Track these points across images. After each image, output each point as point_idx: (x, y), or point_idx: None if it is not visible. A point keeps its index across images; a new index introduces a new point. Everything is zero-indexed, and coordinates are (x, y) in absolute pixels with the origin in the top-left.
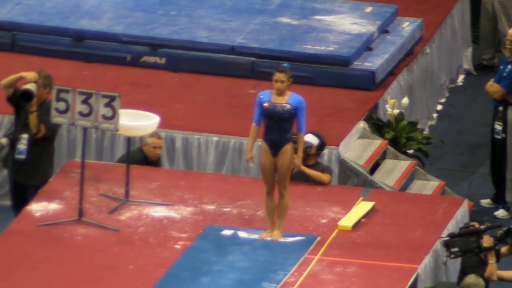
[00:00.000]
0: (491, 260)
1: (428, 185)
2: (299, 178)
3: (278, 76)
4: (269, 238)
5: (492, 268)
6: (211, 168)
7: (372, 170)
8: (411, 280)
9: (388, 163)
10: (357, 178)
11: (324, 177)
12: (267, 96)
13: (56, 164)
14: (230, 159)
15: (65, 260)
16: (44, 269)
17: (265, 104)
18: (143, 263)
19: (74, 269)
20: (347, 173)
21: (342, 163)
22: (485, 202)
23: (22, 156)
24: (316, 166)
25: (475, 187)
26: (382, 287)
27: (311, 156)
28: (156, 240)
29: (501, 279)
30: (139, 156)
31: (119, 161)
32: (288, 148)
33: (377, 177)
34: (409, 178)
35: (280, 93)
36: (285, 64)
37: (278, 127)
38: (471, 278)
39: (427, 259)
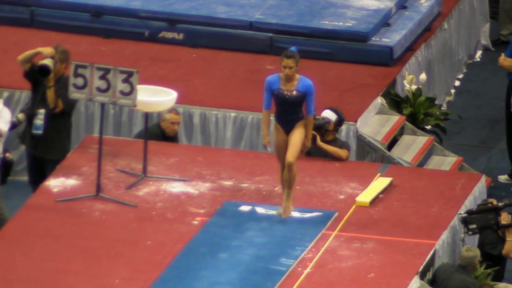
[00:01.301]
0: (509, 237)
1: (446, 161)
2: (318, 154)
3: (286, 62)
4: (280, 212)
5: (510, 246)
6: (229, 144)
7: (390, 145)
8: (429, 256)
9: (406, 139)
10: (375, 153)
11: (342, 152)
12: (276, 82)
13: (74, 139)
14: (248, 134)
15: (84, 235)
16: (63, 244)
17: (275, 91)
18: (161, 238)
19: (93, 244)
20: (365, 148)
21: (360, 139)
22: (503, 178)
23: (39, 131)
24: (334, 141)
25: (494, 162)
26: (400, 262)
27: (329, 132)
28: (174, 215)
29: None
30: (157, 131)
31: (137, 137)
32: (300, 124)
33: (395, 152)
34: (427, 154)
35: (289, 78)
36: (293, 48)
37: (289, 111)
38: (468, 252)
39: (445, 235)
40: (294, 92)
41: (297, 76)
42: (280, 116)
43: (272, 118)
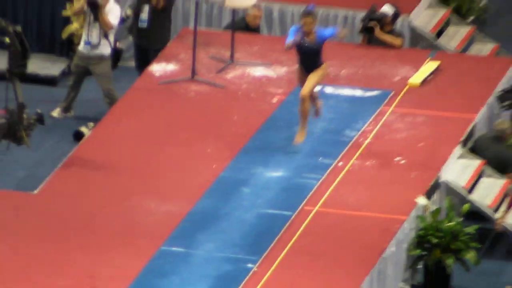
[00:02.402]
0: None
1: (485, 47)
2: (376, 42)
3: (306, 19)
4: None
5: None
6: None
7: (438, 34)
8: (470, 127)
9: (451, 29)
10: (425, 42)
11: (397, 41)
12: (298, 31)
13: (173, 31)
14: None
15: (180, 113)
16: (163, 119)
17: (297, 42)
18: (246, 114)
19: (188, 120)
20: (417, 38)
21: (413, 29)
22: None
23: (144, 25)
24: (391, 32)
25: None
26: (445, 133)
27: (387, 24)
28: (256, 95)
29: None
30: (242, 24)
31: (225, 29)
32: (319, 69)
33: (442, 41)
34: (469, 41)
35: (308, 33)
36: (309, 7)
37: (310, 59)
38: (502, 124)
39: (483, 110)
40: (313, 44)
41: (315, 29)
42: (302, 62)
43: None
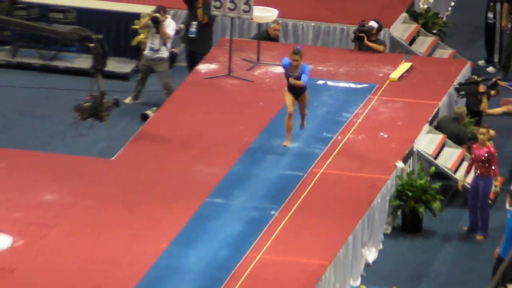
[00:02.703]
0: (484, 100)
1: (445, 52)
2: (365, 48)
3: (294, 57)
4: (289, 145)
5: (484, 105)
6: (310, 43)
7: (410, 43)
8: (435, 110)
9: (420, 39)
10: (401, 48)
11: (381, 47)
12: (288, 65)
13: (214, 41)
14: (322, 38)
15: (219, 100)
16: (209, 104)
17: (286, 72)
18: (269, 101)
19: (225, 105)
20: (395, 45)
21: (392, 39)
22: (481, 62)
23: (193, 35)
24: (376, 41)
25: (476, 52)
26: (417, 114)
27: (373, 34)
28: (277, 87)
29: (489, 114)
30: (265, 35)
31: (253, 38)
32: (304, 93)
33: (414, 47)
34: (433, 48)
35: (295, 67)
36: (298, 47)
37: (294, 86)
38: (459, 108)
39: (445, 98)
40: (297, 75)
41: (300, 64)
42: (290, 88)
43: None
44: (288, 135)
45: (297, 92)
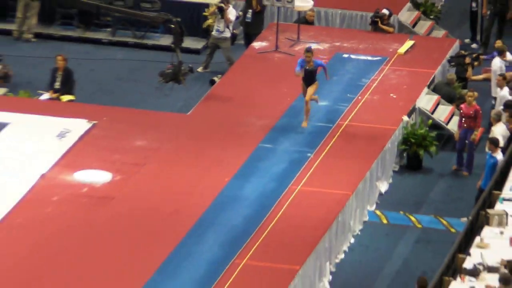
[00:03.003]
0: (469, 69)
1: (440, 33)
2: (379, 30)
3: (307, 54)
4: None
5: (469, 73)
6: (338, 26)
7: (414, 26)
8: (432, 77)
9: (421, 23)
10: (406, 29)
11: (391, 29)
12: (303, 62)
13: (265, 24)
14: (347, 22)
15: (269, 69)
16: (261, 72)
17: (303, 67)
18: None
19: (273, 73)
20: (402, 27)
21: (400, 23)
22: (467, 40)
23: (249, 20)
24: (387, 24)
25: (463, 33)
26: (419, 80)
27: (385, 19)
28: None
29: (473, 80)
30: (303, 20)
31: (294, 22)
32: (314, 84)
33: (416, 29)
34: (431, 29)
35: (309, 62)
36: (309, 46)
37: (309, 77)
38: (450, 75)
39: (439, 68)
40: (312, 68)
41: (312, 59)
42: (304, 80)
43: None
44: (306, 117)
45: (310, 80)
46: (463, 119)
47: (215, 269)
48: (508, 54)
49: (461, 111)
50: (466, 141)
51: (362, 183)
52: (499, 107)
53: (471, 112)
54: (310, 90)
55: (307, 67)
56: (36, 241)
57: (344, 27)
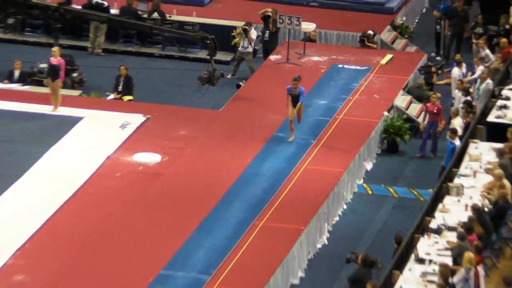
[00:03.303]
0: (434, 76)
1: (412, 48)
2: (365, 47)
3: (294, 82)
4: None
5: (435, 79)
6: (334, 43)
7: (392, 43)
8: (406, 81)
9: (398, 41)
10: (386, 46)
11: (375, 46)
12: (290, 88)
13: (279, 42)
14: (341, 40)
15: (282, 75)
16: (275, 78)
17: (290, 93)
18: (311, 76)
19: (285, 78)
20: (383, 44)
21: (381, 41)
22: (433, 54)
23: (266, 39)
24: (372, 42)
25: (430, 49)
26: (395, 84)
27: (371, 38)
28: (315, 68)
29: (437, 84)
30: (308, 38)
31: (301, 40)
32: (300, 105)
33: (394, 45)
34: (405, 46)
35: (295, 88)
36: (297, 76)
37: (294, 99)
38: (420, 81)
39: (412, 75)
40: (296, 93)
41: (298, 86)
42: (291, 101)
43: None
44: (292, 133)
45: (295, 102)
46: (428, 115)
47: (240, 229)
48: (463, 65)
49: (427, 108)
50: (431, 131)
51: (352, 162)
52: (458, 105)
53: (435, 109)
54: (296, 111)
55: (292, 93)
56: (104, 207)
57: (339, 44)
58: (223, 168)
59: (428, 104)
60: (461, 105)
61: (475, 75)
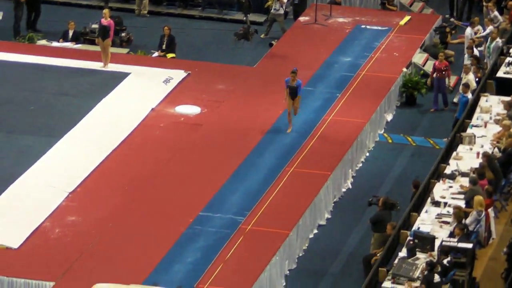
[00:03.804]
0: (449, 36)
1: (428, 11)
2: (386, 9)
3: (292, 75)
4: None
5: (449, 38)
6: (358, 5)
7: (410, 5)
8: (422, 41)
9: (416, 4)
10: (405, 8)
11: (394, 8)
12: (289, 80)
13: (307, 4)
14: (364, 3)
15: (311, 35)
16: (304, 38)
17: (288, 84)
18: (336, 36)
19: (314, 37)
20: (402, 7)
21: (400, 4)
22: (447, 16)
23: (296, 2)
24: (392, 5)
25: (445, 10)
26: (414, 42)
27: (390, 1)
28: (341, 29)
29: (451, 43)
30: (334, 1)
31: (328, 3)
32: (298, 98)
33: (412, 8)
34: (422, 8)
35: (293, 80)
36: (295, 68)
37: (292, 92)
38: (436, 39)
39: (428, 34)
40: (295, 86)
41: (296, 78)
42: (290, 94)
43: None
44: (290, 124)
45: (293, 94)
46: (436, 71)
47: (271, 174)
48: (479, 27)
49: (435, 65)
50: (439, 87)
51: (374, 114)
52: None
53: (443, 67)
54: (295, 103)
55: (290, 84)
56: (149, 154)
57: (362, 7)
58: (257, 119)
59: (436, 62)
60: (469, 60)
61: (483, 33)
